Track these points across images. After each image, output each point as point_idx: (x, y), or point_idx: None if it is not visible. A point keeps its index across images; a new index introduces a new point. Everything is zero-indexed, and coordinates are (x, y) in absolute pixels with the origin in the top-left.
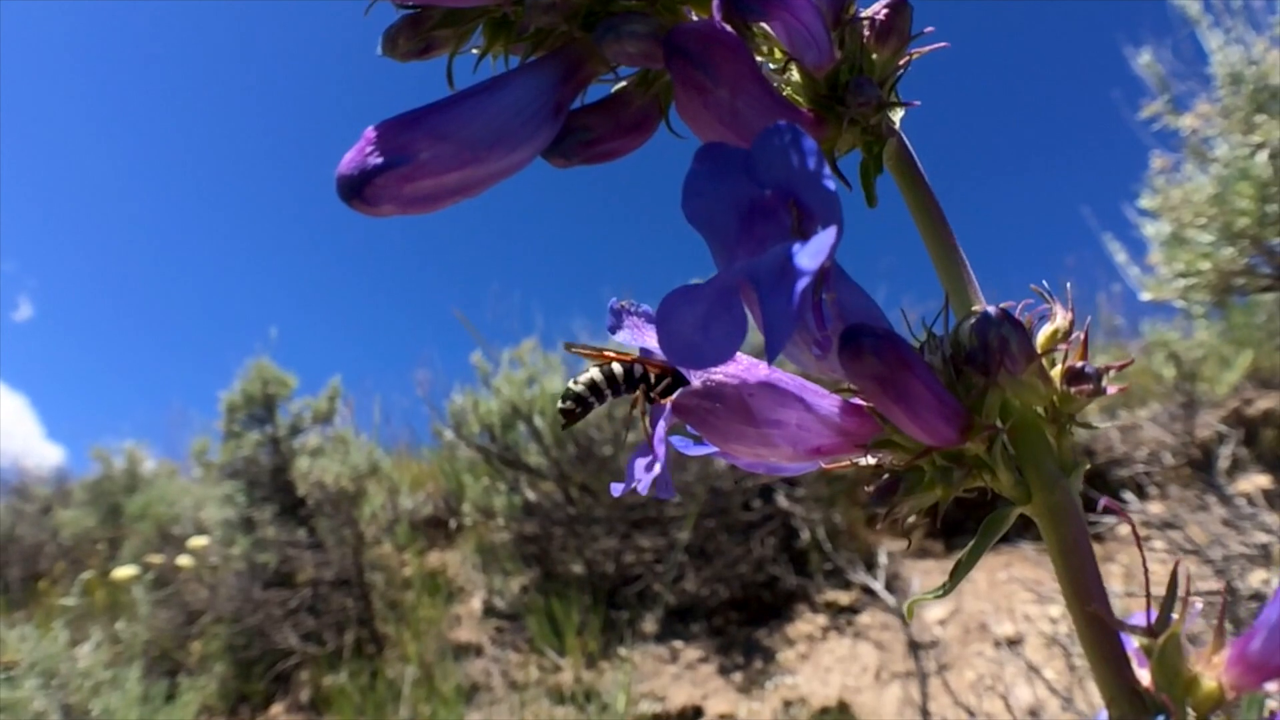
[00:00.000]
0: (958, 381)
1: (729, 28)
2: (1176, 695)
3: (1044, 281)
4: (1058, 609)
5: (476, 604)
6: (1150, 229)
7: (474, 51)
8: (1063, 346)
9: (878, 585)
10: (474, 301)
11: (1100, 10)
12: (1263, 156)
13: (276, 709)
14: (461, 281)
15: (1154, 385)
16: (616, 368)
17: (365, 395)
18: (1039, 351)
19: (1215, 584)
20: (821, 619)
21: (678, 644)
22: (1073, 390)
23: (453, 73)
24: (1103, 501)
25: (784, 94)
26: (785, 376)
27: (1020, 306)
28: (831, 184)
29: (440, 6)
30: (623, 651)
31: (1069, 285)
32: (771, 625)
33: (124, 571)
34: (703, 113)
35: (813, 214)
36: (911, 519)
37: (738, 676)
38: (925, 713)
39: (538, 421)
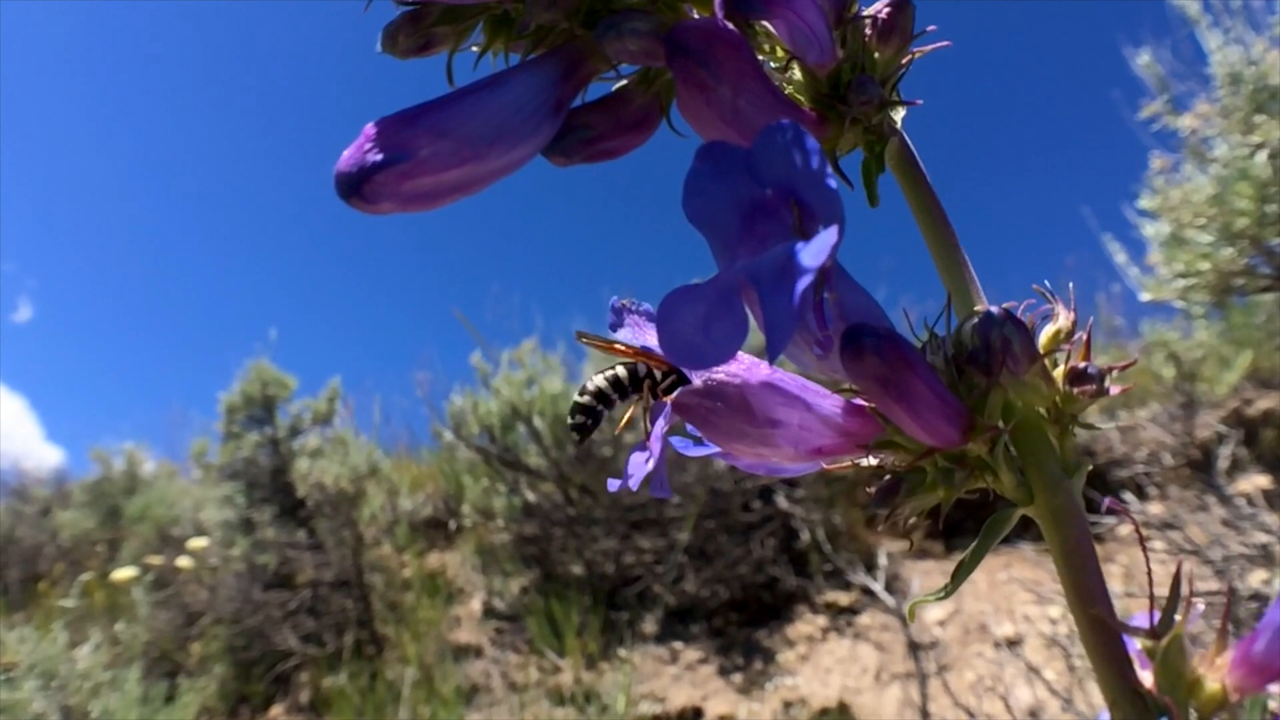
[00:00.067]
0: (960, 382)
1: (731, 26)
2: (1179, 697)
3: (1045, 281)
4: (1057, 610)
5: (476, 605)
6: (1150, 229)
7: (474, 49)
8: (1065, 347)
9: (877, 586)
10: (474, 302)
11: (1100, 10)
12: (1262, 157)
13: (276, 710)
14: (461, 282)
15: (1154, 385)
16: (620, 370)
17: (365, 396)
18: (1042, 352)
19: (1215, 584)
20: (821, 620)
21: (678, 645)
22: (1075, 391)
23: (452, 70)
24: (1106, 502)
25: (786, 93)
26: (786, 376)
27: (1022, 307)
28: (833, 183)
29: (440, 3)
30: (622, 652)
31: (1071, 285)
32: (771, 626)
33: (123, 573)
34: (704, 111)
35: (814, 213)
36: (912, 520)
37: (738, 677)
38: (925, 713)
39: (537, 422)
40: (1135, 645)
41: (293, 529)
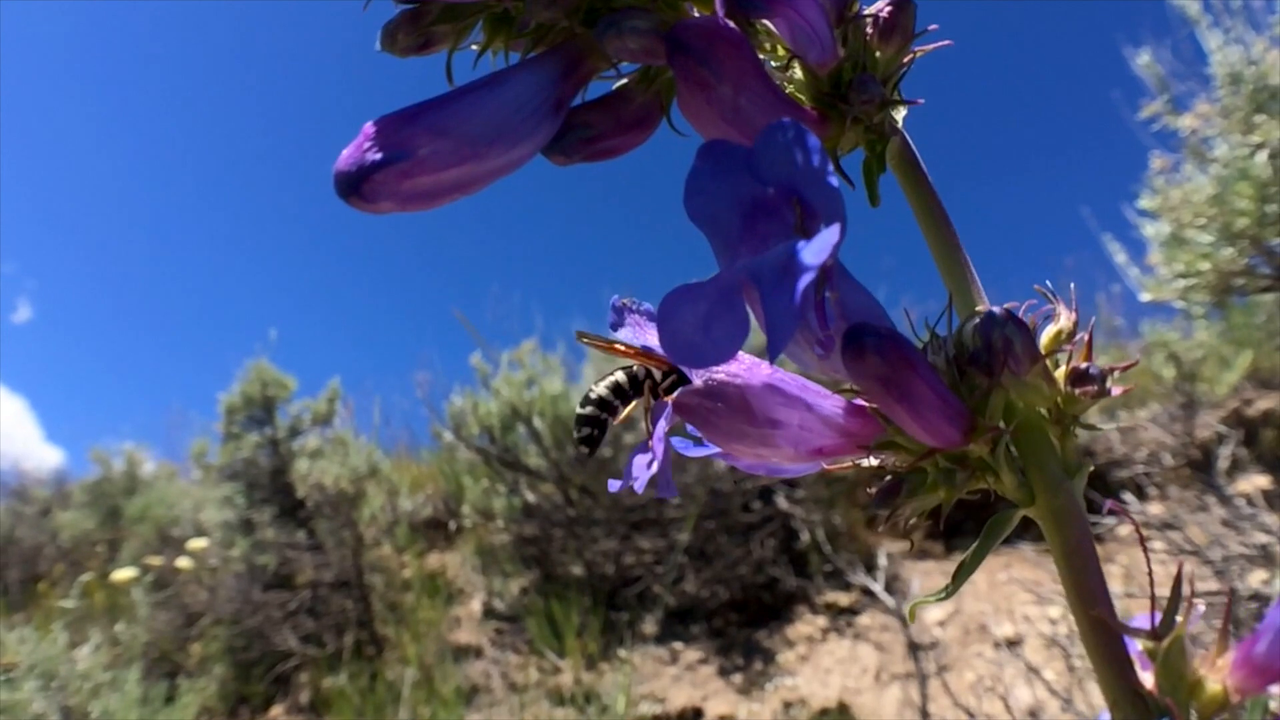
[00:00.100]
0: (961, 382)
1: (732, 24)
2: (1181, 699)
3: (1047, 282)
4: (1057, 610)
5: (476, 606)
6: (1150, 229)
7: (474, 47)
8: (1067, 348)
9: (877, 587)
10: (473, 303)
11: (1100, 10)
12: (1262, 157)
13: (276, 711)
14: (461, 283)
15: (1154, 386)
16: (620, 376)
17: (365, 397)
18: (1043, 353)
19: (1215, 584)
20: (821, 620)
21: (678, 645)
22: (1077, 392)
23: (452, 69)
24: (1107, 504)
25: (787, 91)
26: (787, 376)
27: (1024, 307)
28: (835, 182)
29: (439, 2)
30: (622, 653)
31: (1072, 286)
32: (771, 627)
33: (123, 573)
34: (705, 110)
35: (815, 212)
36: (912, 520)
37: (738, 678)
38: (925, 714)
39: (537, 423)
40: (1136, 646)
41: (292, 530)
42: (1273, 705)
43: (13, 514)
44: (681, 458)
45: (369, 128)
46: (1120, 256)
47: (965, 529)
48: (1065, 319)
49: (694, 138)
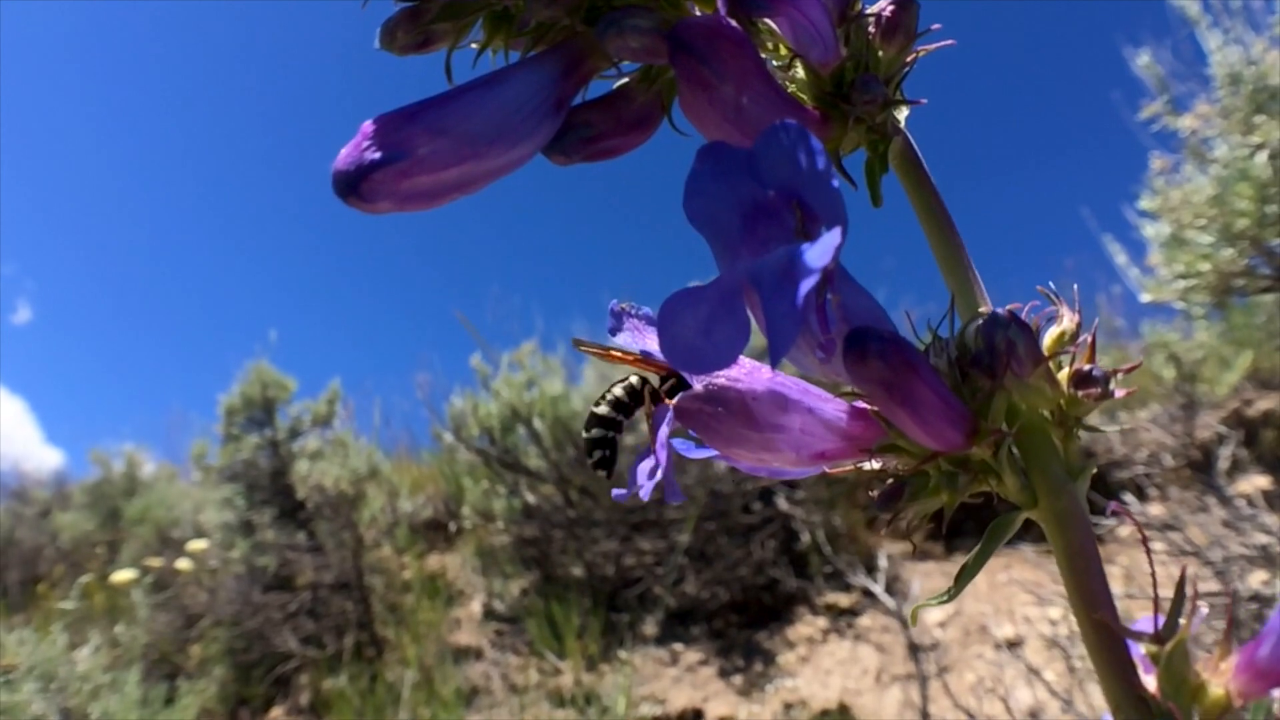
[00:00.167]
0: (963, 385)
1: (734, 23)
2: (1183, 702)
3: (1050, 283)
4: (1058, 611)
5: (476, 607)
6: (1150, 230)
7: (473, 46)
8: (1070, 349)
9: (878, 588)
10: (474, 304)
11: (1100, 11)
12: (1262, 157)
13: (276, 712)
14: (461, 284)
15: (1154, 386)
16: (619, 391)
17: (365, 398)
18: (1046, 355)
19: (1215, 585)
20: (822, 621)
21: (678, 647)
22: (1080, 394)
23: (451, 67)
24: (1111, 507)
25: (789, 91)
26: (789, 380)
27: (1026, 308)
28: (837, 184)
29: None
30: (623, 654)
31: (1075, 287)
32: (772, 628)
33: (123, 575)
34: (707, 109)
35: (817, 214)
36: (914, 522)
37: (738, 679)
38: (925, 715)
39: (537, 424)
40: (1139, 650)
41: (292, 531)
42: (1276, 709)
43: (12, 515)
44: (681, 459)
45: (367, 127)
46: (1120, 257)
47: (966, 530)
48: (1068, 321)
49: (695, 138)
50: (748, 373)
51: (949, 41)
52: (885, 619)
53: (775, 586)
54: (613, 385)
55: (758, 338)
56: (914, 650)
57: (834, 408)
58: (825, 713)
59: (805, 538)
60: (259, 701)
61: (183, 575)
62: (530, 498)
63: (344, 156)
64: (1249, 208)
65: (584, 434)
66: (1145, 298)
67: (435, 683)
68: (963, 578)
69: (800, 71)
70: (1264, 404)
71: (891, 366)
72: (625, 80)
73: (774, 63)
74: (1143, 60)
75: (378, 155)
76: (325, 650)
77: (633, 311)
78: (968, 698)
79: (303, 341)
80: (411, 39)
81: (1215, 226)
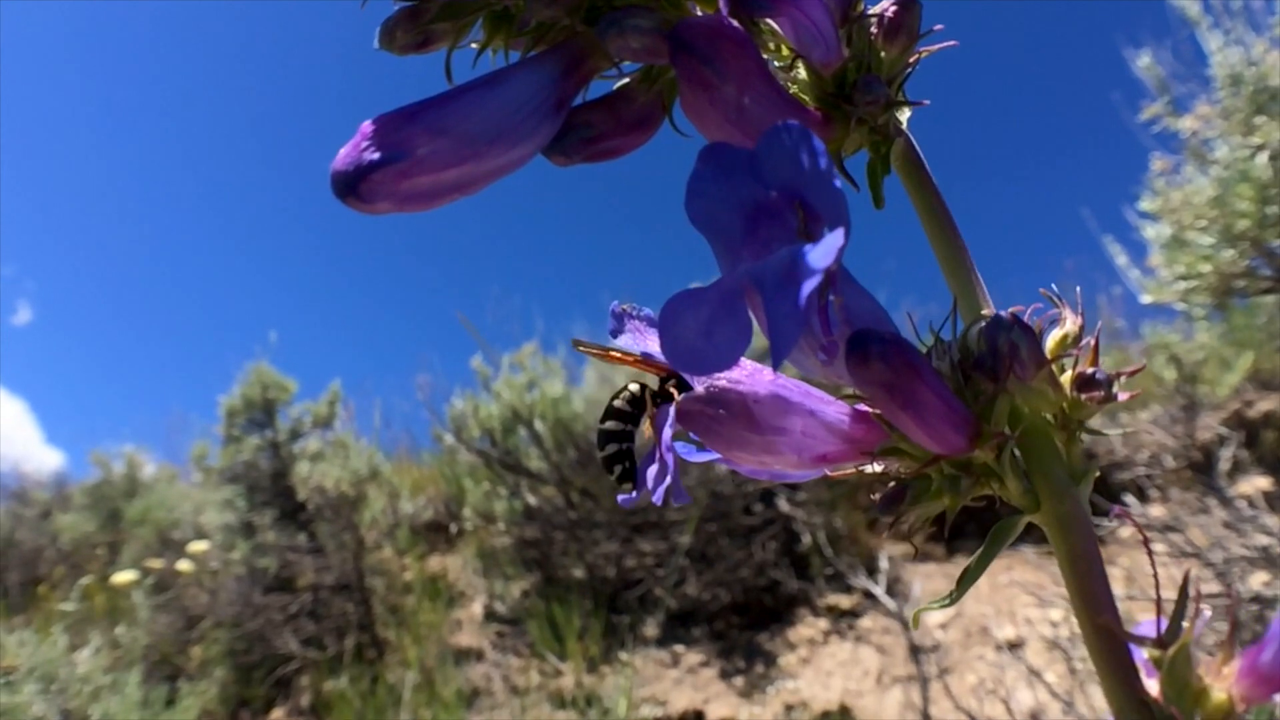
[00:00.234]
0: (966, 387)
1: (736, 23)
2: (1186, 707)
3: (1053, 285)
4: (1059, 612)
5: (477, 608)
6: (1150, 231)
7: (473, 45)
8: (1073, 352)
9: (879, 589)
10: (474, 305)
11: (1100, 12)
12: (1263, 158)
13: (277, 714)
14: (461, 285)
15: (1155, 388)
16: (619, 403)
17: (365, 399)
18: (1049, 357)
19: (1216, 587)
20: (823, 623)
21: (679, 648)
22: (1083, 397)
23: (451, 67)
24: (1114, 510)
25: (791, 92)
26: (790, 383)
27: (1029, 311)
28: (839, 185)
29: None
30: (624, 656)
31: (1078, 289)
32: (773, 629)
33: (124, 576)
34: (708, 110)
35: (819, 215)
36: (916, 525)
37: (739, 680)
38: (926, 717)
39: (538, 426)
40: (1141, 653)
41: (293, 532)
42: (1278, 714)
43: (13, 516)
44: (682, 461)
45: (367, 127)
46: (1121, 258)
47: (968, 531)
48: (1071, 323)
49: (697, 138)
50: (749, 375)
51: (951, 42)
52: (886, 620)
53: (776, 588)
54: (613, 400)
55: (759, 339)
56: (915, 652)
57: (836, 410)
58: (826, 714)
59: (806, 539)
60: (260, 703)
61: (183, 577)
62: (531, 499)
63: (343, 157)
64: (1249, 209)
65: (599, 453)
66: (1146, 299)
67: (436, 684)
68: (965, 582)
69: (802, 72)
70: (1265, 405)
71: (894, 369)
72: (626, 80)
73: (776, 63)
74: (1143, 61)
75: (377, 156)
76: (326, 652)
77: (634, 313)
78: (969, 699)
79: (303, 343)
80: (411, 39)
81: (1216, 228)
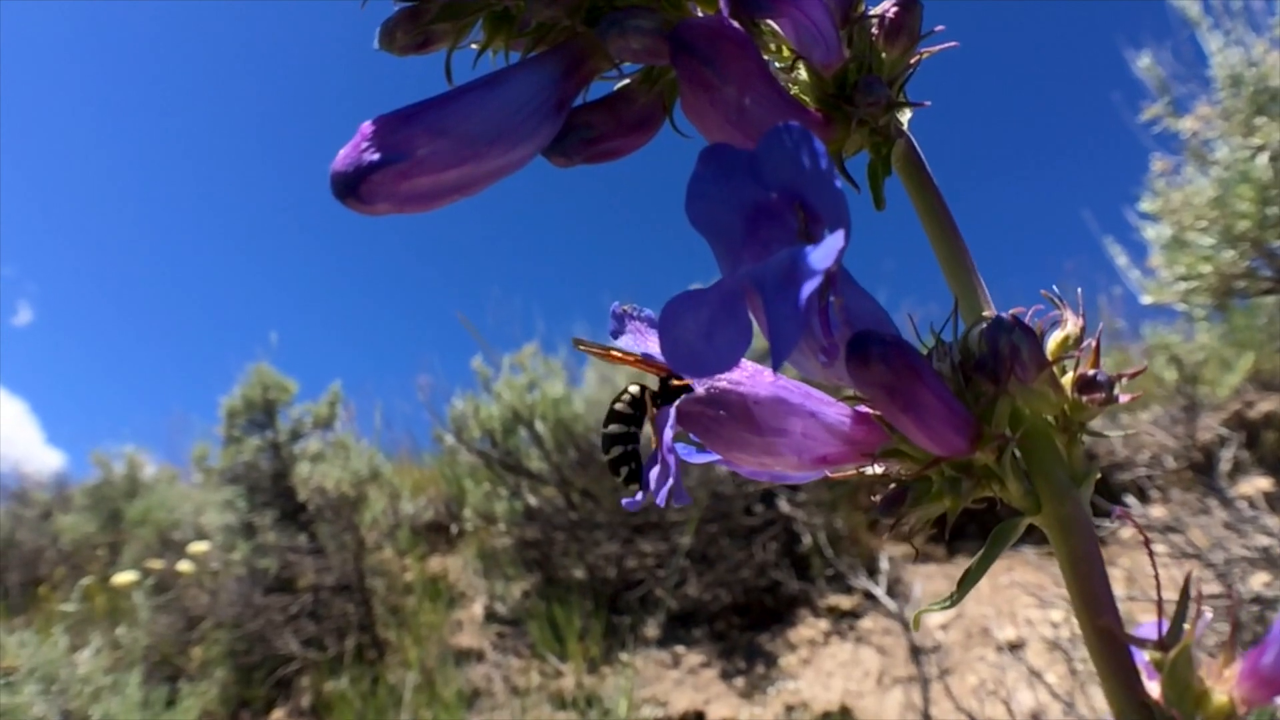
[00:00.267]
0: (966, 389)
1: (736, 24)
2: (1187, 709)
3: (1054, 286)
4: (1059, 613)
5: (478, 609)
6: (1151, 232)
7: (473, 46)
8: (1074, 354)
9: (879, 590)
10: (475, 306)
11: (1100, 12)
12: (1263, 159)
13: (277, 714)
14: (462, 285)
15: (1155, 388)
16: (619, 406)
17: (366, 400)
18: (1050, 359)
19: (1216, 587)
20: (823, 624)
21: (680, 649)
22: (1084, 399)
23: (451, 68)
24: (1116, 511)
25: (791, 93)
26: (790, 384)
27: (1030, 312)
28: (839, 186)
29: None
30: (624, 656)
31: (1079, 291)
32: (773, 630)
33: (124, 577)
34: (709, 111)
35: (820, 217)
36: (916, 527)
37: (740, 681)
38: (927, 717)
39: (539, 426)
40: (1142, 655)
41: (294, 533)
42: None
43: (13, 517)
44: (683, 462)
45: (366, 127)
46: (1121, 259)
47: (968, 532)
48: (1072, 325)
49: (697, 139)
50: (749, 376)
51: (952, 43)
52: (887, 621)
53: (777, 589)
54: (614, 403)
55: (760, 341)
56: (916, 652)
57: (836, 412)
58: (827, 715)
59: (807, 540)
60: (260, 704)
61: (184, 577)
62: (532, 500)
63: (342, 158)
64: (1250, 209)
65: (604, 456)
66: (1146, 300)
67: (437, 685)
68: (966, 583)
69: (803, 73)
70: (1265, 406)
71: (894, 370)
72: (626, 81)
73: (776, 64)
74: (1143, 62)
75: (376, 156)
76: (327, 652)
77: (635, 314)
78: (969, 700)
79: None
80: (411, 39)
81: (1216, 228)
